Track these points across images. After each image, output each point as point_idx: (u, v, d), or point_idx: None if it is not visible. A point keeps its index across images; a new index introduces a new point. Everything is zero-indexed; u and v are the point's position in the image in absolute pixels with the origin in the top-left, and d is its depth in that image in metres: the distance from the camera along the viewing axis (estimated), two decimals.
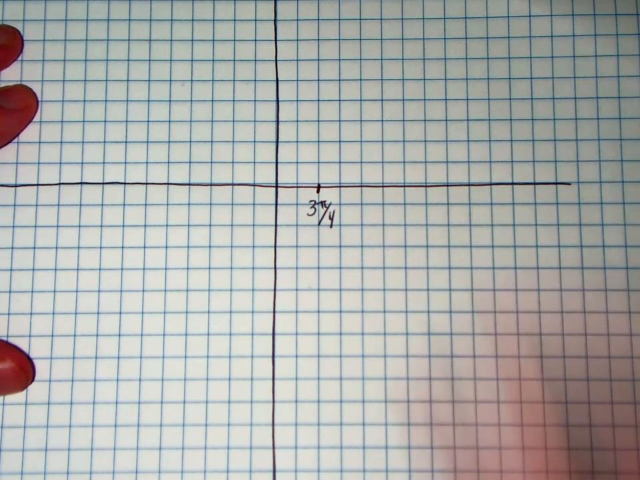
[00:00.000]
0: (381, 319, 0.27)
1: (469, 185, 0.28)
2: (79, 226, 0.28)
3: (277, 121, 0.28)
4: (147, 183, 0.28)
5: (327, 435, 0.27)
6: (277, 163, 0.28)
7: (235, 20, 0.29)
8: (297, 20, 0.29)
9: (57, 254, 0.28)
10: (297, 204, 0.28)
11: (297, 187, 0.28)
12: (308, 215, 0.28)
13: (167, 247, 0.28)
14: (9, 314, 0.27)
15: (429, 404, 0.27)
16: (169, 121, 0.29)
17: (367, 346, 0.27)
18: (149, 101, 0.29)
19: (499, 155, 0.28)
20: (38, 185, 0.28)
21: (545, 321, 0.27)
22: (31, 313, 0.27)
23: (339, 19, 0.29)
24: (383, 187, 0.28)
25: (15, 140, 0.28)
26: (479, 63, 0.29)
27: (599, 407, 0.27)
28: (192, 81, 0.29)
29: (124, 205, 0.28)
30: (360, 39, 0.29)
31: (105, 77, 0.29)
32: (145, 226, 0.28)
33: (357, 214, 0.28)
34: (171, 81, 0.29)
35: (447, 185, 0.28)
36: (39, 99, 0.28)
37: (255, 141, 0.28)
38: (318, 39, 0.29)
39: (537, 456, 0.27)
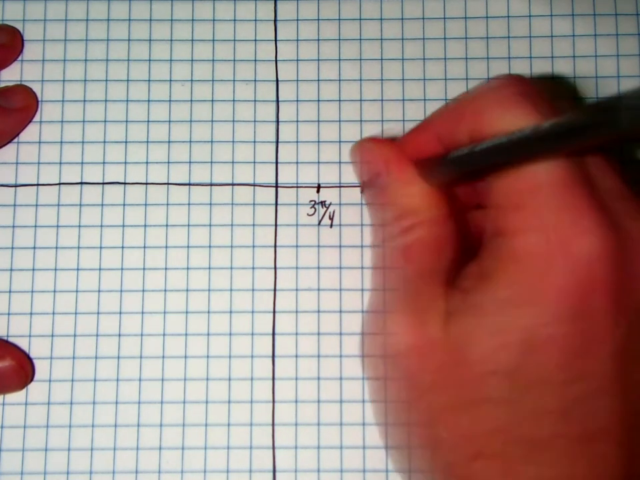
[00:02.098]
0: None
1: None
2: (79, 226, 0.28)
3: (277, 121, 0.28)
4: (147, 183, 0.28)
5: (326, 435, 0.27)
6: (276, 163, 0.28)
7: (234, 20, 0.29)
8: (297, 20, 0.29)
9: (56, 254, 0.28)
10: (297, 204, 0.28)
11: (297, 187, 0.28)
12: (308, 215, 0.28)
13: (166, 247, 0.28)
14: (9, 314, 0.27)
15: None
16: (169, 121, 0.28)
17: None
18: (149, 101, 0.29)
19: None
20: (38, 185, 0.28)
21: None
22: (31, 313, 0.27)
23: (339, 19, 0.29)
24: None
25: (15, 140, 0.28)
26: (478, 63, 0.29)
27: None
28: (192, 81, 0.29)
29: (124, 204, 0.28)
30: (360, 39, 0.29)
31: (105, 77, 0.29)
32: (145, 226, 0.28)
33: (357, 214, 0.28)
34: (171, 80, 0.29)
35: None
36: (39, 99, 0.28)
37: (255, 141, 0.28)
38: (318, 39, 0.29)
39: None
